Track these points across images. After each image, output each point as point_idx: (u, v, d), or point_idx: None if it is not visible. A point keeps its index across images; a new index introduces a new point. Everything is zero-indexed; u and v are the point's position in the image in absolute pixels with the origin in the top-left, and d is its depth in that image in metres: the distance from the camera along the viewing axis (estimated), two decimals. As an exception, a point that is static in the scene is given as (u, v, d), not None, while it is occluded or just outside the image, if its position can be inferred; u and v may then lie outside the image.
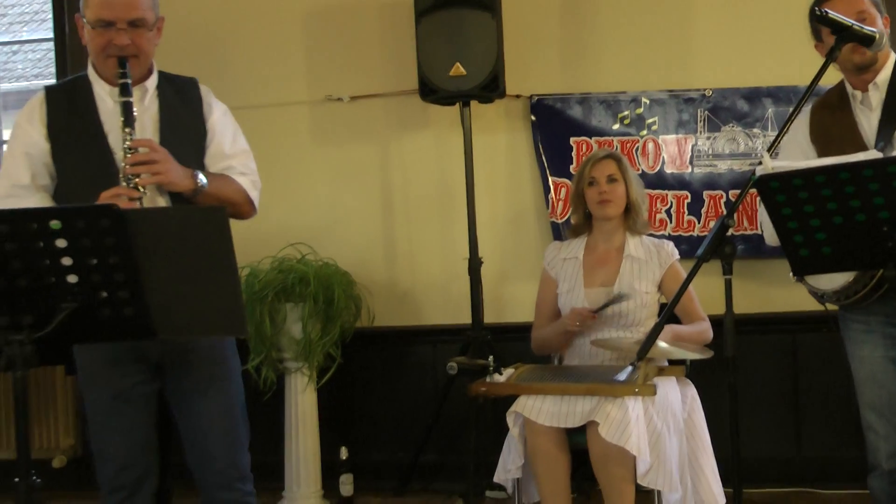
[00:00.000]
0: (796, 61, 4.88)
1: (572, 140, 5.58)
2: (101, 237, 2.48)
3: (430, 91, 5.29)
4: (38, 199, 3.23)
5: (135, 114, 3.13)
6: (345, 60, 5.87)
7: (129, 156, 3.06)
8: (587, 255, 4.29)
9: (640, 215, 4.28)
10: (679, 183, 5.49)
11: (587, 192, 4.28)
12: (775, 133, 5.29)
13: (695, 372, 4.11)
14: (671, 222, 5.44)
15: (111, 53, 3.16)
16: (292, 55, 5.93)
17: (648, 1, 5.58)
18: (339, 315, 5.29)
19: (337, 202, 5.81)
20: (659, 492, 3.71)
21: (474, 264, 5.34)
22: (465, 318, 5.37)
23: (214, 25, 5.96)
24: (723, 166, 5.47)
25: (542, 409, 3.72)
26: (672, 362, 4.07)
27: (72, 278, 2.53)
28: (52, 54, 6.52)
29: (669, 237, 5.09)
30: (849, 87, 3.56)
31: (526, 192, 5.70)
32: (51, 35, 6.46)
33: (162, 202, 3.18)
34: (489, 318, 5.38)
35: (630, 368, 3.64)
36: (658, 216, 5.45)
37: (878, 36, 3.17)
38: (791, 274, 3.01)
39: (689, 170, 5.48)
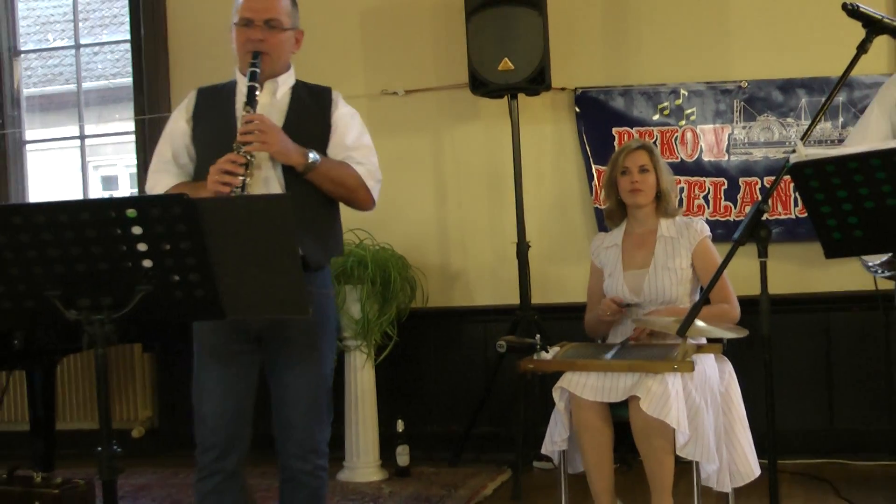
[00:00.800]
0: (828, 53, 4.83)
1: (614, 130, 5.56)
2: (173, 224, 2.49)
3: (480, 85, 5.29)
4: (175, 174, 3.36)
5: (257, 97, 3.19)
6: (400, 56, 5.87)
7: (243, 126, 3.13)
8: (626, 240, 4.27)
9: (670, 202, 4.24)
10: (716, 170, 5.44)
11: (620, 180, 4.25)
12: (808, 122, 5.25)
13: (732, 349, 4.07)
14: (709, 208, 5.40)
15: (248, 48, 3.27)
16: (351, 52, 5.94)
17: (686, -3, 5.54)
18: (395, 296, 5.31)
19: (393, 190, 5.75)
20: (697, 462, 3.69)
21: (522, 248, 5.33)
22: (514, 298, 5.36)
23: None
24: (758, 154, 5.42)
25: (586, 385, 3.71)
26: (710, 341, 4.03)
27: (147, 263, 2.54)
28: (128, 55, 6.57)
29: (707, 222, 5.04)
30: None
31: (571, 180, 5.68)
32: (128, 37, 6.50)
33: (274, 176, 3.21)
34: (536, 298, 5.37)
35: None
36: (696, 202, 5.41)
37: None
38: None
39: (726, 158, 5.44)
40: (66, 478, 4.02)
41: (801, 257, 5.28)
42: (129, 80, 6.57)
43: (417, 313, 5.54)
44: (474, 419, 5.47)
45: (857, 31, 3.03)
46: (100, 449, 2.58)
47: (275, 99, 3.34)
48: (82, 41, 6.99)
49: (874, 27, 3.11)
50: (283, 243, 2.69)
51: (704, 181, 5.42)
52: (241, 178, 3.06)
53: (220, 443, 3.26)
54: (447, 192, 5.84)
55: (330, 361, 3.40)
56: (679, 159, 5.39)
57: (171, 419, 6.19)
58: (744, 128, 5.43)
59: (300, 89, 3.41)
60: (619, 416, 3.73)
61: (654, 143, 5.37)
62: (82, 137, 6.89)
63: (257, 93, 3.21)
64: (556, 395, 3.81)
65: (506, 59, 5.19)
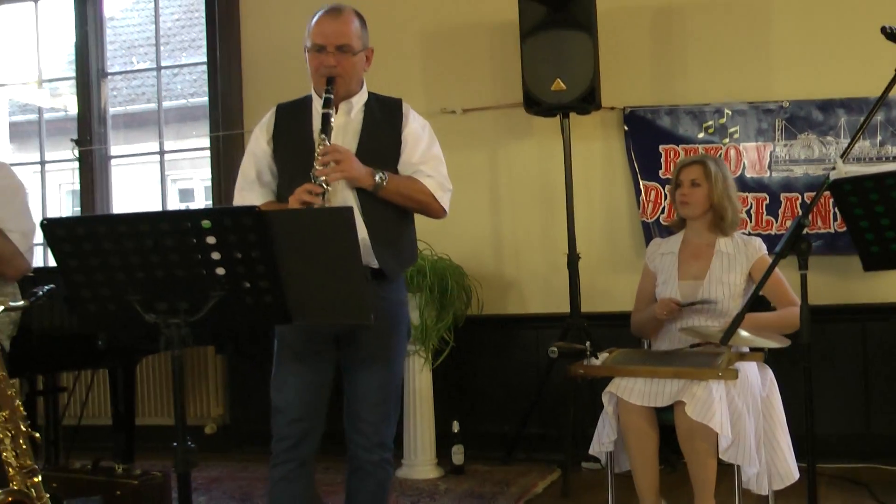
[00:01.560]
0: (867, 74, 4.75)
1: (661, 147, 5.52)
2: (244, 234, 2.51)
3: (534, 104, 5.28)
4: (260, 193, 3.35)
5: (332, 123, 3.20)
6: (458, 77, 5.88)
7: (318, 158, 3.13)
8: (682, 249, 4.22)
9: (725, 218, 4.15)
10: (758, 186, 5.38)
11: (675, 193, 4.22)
12: (848, 140, 5.18)
13: (773, 357, 4.02)
14: (751, 222, 5.34)
15: (322, 73, 3.26)
16: (412, 72, 5.95)
17: (731, 21, 5.49)
18: (452, 304, 5.30)
19: (451, 203, 5.79)
20: (738, 465, 3.65)
21: (573, 259, 5.31)
22: (564, 306, 5.33)
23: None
24: (798, 171, 5.35)
25: (633, 390, 3.69)
26: (753, 349, 3.98)
27: (220, 270, 2.56)
28: (205, 76, 6.62)
29: (749, 235, 4.98)
30: None
31: (619, 195, 5.65)
32: (205, 59, 6.56)
33: (350, 196, 3.21)
34: (586, 307, 5.34)
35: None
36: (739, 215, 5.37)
37: None
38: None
39: (768, 174, 5.37)
40: (145, 469, 4.05)
41: (840, 269, 5.20)
42: (205, 100, 6.63)
43: (473, 320, 5.53)
44: (526, 420, 5.45)
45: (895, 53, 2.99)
46: (175, 444, 2.60)
47: (349, 118, 3.34)
48: (163, 63, 7.08)
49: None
50: (347, 253, 2.70)
51: (747, 196, 5.35)
52: (318, 206, 3.06)
53: (293, 434, 3.28)
54: (502, 206, 5.83)
55: (400, 363, 3.40)
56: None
57: (241, 417, 6.24)
58: (785, 146, 5.37)
59: (372, 104, 3.39)
60: (665, 419, 3.70)
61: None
62: (162, 153, 6.98)
63: (332, 118, 3.21)
64: (605, 398, 3.79)
65: (558, 79, 5.17)
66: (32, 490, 3.02)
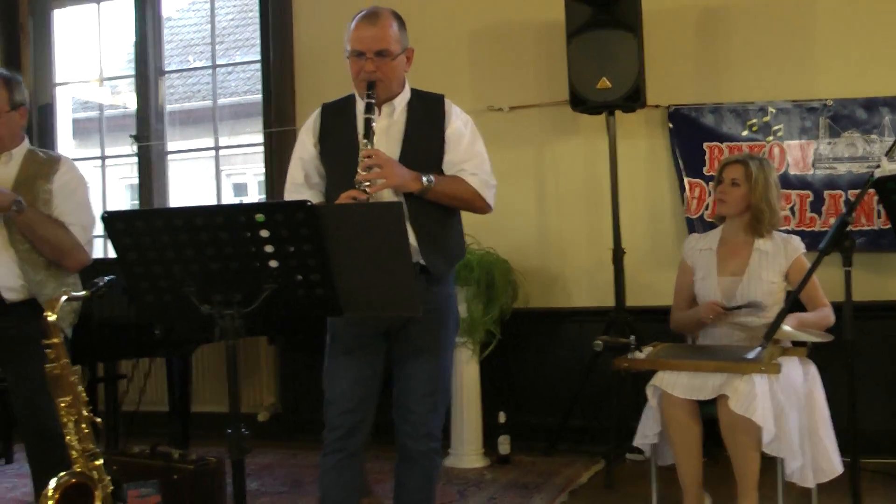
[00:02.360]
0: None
1: (705, 145, 5.47)
2: (297, 228, 2.53)
3: (580, 102, 5.26)
4: (309, 195, 3.31)
5: (373, 127, 3.17)
6: (505, 75, 5.87)
7: (361, 163, 3.11)
8: (721, 246, 4.19)
9: (762, 220, 4.10)
10: (802, 183, 5.32)
11: (717, 189, 4.19)
12: (892, 139, 5.10)
13: (816, 353, 3.97)
14: (795, 219, 5.28)
15: (362, 79, 3.24)
16: (459, 70, 5.95)
17: (774, 20, 5.42)
18: (499, 297, 5.29)
19: (498, 199, 5.71)
20: (782, 459, 3.62)
21: (618, 254, 5.28)
22: (609, 301, 5.31)
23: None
24: (842, 168, 5.28)
25: (677, 383, 3.67)
26: (795, 344, 3.94)
27: (273, 263, 2.58)
28: (259, 74, 6.68)
29: (793, 232, 4.92)
30: None
31: (663, 191, 5.61)
32: (258, 58, 6.61)
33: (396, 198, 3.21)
34: (630, 301, 5.31)
35: (759, 349, 3.57)
36: (783, 213, 5.30)
37: None
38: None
39: (811, 172, 5.31)
40: (200, 455, 4.09)
41: (883, 266, 5.14)
42: (258, 97, 6.67)
43: (519, 313, 5.52)
44: (570, 412, 5.43)
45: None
46: (229, 431, 2.62)
47: (392, 120, 3.32)
48: (218, 62, 7.14)
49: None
50: (396, 247, 2.70)
51: (791, 193, 5.29)
52: None
53: (344, 424, 3.29)
54: (548, 202, 5.81)
55: (449, 355, 3.38)
56: (766, 173, 5.29)
57: (292, 405, 6.27)
58: (829, 143, 5.30)
59: (415, 103, 3.37)
60: (708, 413, 3.68)
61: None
62: (217, 149, 7.03)
63: (374, 122, 3.18)
64: (648, 392, 3.77)
65: (604, 78, 5.15)
66: (94, 472, 3.07)
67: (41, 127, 7.11)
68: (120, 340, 4.57)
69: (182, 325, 4.54)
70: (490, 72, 5.91)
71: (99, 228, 3.70)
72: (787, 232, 4.39)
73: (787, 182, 5.27)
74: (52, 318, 3.05)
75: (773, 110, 5.37)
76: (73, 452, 3.06)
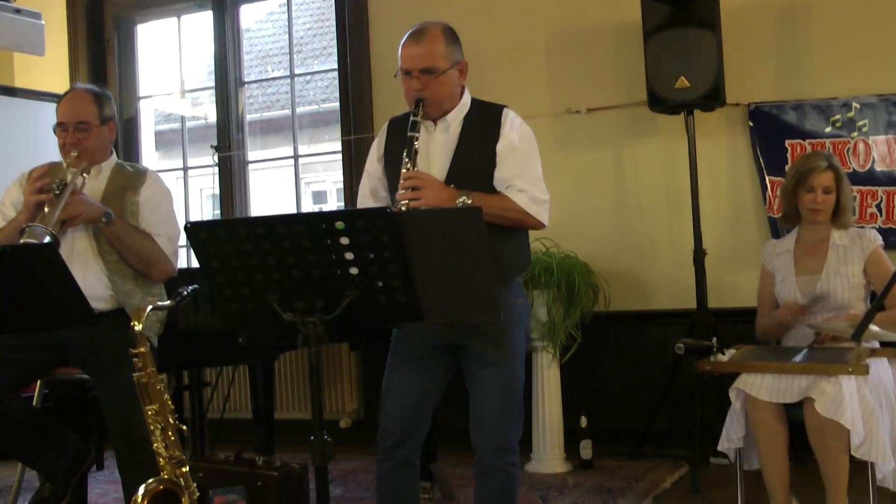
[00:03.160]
0: None
1: (787, 143, 5.39)
2: (377, 235, 2.54)
3: (658, 102, 5.22)
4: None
5: (416, 146, 3.18)
6: (582, 77, 5.84)
7: (401, 183, 3.14)
8: (797, 247, 4.13)
9: (847, 217, 4.07)
10: (888, 179, 5.20)
11: (803, 195, 4.09)
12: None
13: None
14: (881, 216, 5.17)
15: (411, 97, 3.27)
16: (537, 73, 5.94)
17: (856, 12, 5.32)
18: (579, 300, 5.27)
19: (577, 202, 5.80)
20: (872, 463, 3.54)
21: (699, 255, 5.22)
22: (691, 303, 5.25)
23: (469, 48, 6.02)
24: (931, 163, 5.16)
25: (762, 386, 3.61)
26: (883, 345, 3.85)
27: (353, 270, 2.59)
28: (336, 82, 6.73)
29: (879, 230, 4.82)
30: None
31: (745, 190, 5.53)
32: (336, 66, 6.67)
33: None
34: (712, 303, 5.24)
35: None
36: (868, 210, 5.19)
37: None
38: None
39: (899, 167, 5.20)
40: (284, 462, 4.12)
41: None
42: (336, 105, 6.73)
43: (600, 316, 5.49)
44: (653, 416, 5.38)
45: None
46: (312, 437, 2.65)
47: (447, 135, 3.32)
48: (296, 71, 7.22)
49: None
50: (476, 251, 2.71)
51: (877, 190, 5.19)
52: None
53: (396, 433, 3.33)
54: (627, 203, 5.77)
55: (519, 363, 3.34)
56: (851, 169, 5.18)
57: (374, 411, 6.27)
58: (916, 138, 5.19)
59: (473, 116, 3.34)
60: (794, 416, 3.61)
61: (827, 154, 5.19)
62: (296, 157, 7.10)
63: (416, 141, 3.19)
64: (732, 395, 3.72)
65: (682, 77, 5.10)
66: (181, 479, 3.12)
67: (126, 139, 7.27)
68: (204, 348, 4.64)
69: (265, 333, 4.60)
70: (567, 74, 5.89)
71: (182, 238, 3.77)
72: (874, 229, 4.30)
73: (873, 178, 5.18)
74: (138, 327, 3.11)
75: (858, 105, 5.27)
76: (161, 459, 3.12)
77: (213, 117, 7.16)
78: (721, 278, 5.46)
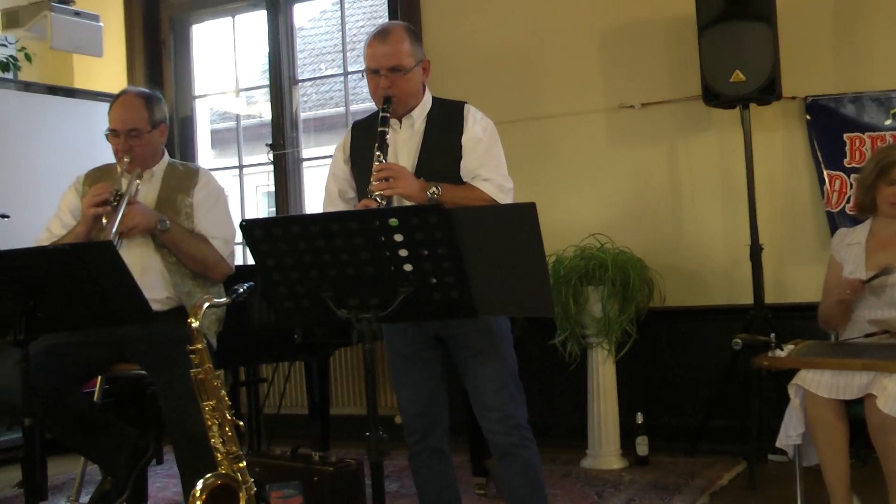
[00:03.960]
0: None
1: (845, 136, 5.29)
2: (431, 232, 2.54)
3: (713, 96, 5.15)
4: (343, 209, 3.44)
5: (387, 140, 3.28)
6: (635, 72, 5.79)
7: (374, 174, 3.22)
8: (871, 239, 4.05)
9: None
10: (949, 173, 5.10)
11: (883, 188, 4.00)
12: None
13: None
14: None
15: (378, 95, 3.36)
16: (590, 69, 5.90)
17: (919, 4, 5.22)
18: (634, 296, 5.23)
19: (631, 197, 5.76)
20: (936, 460, 3.47)
21: (755, 250, 5.16)
22: (747, 298, 5.18)
23: (524, 46, 6.03)
24: None
25: (821, 382, 3.56)
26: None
27: (407, 267, 2.60)
28: (388, 79, 6.73)
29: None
30: None
31: (802, 185, 5.45)
32: (388, 63, 6.68)
33: None
34: (769, 298, 5.18)
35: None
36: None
37: None
38: None
39: (962, 160, 5.09)
40: (340, 457, 4.15)
41: None
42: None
43: (655, 312, 5.44)
44: (710, 412, 5.33)
45: None
46: (368, 433, 2.65)
47: (412, 132, 3.40)
48: (350, 69, 7.22)
49: None
50: (530, 247, 2.70)
51: (937, 184, 5.08)
52: None
53: (418, 427, 3.42)
54: (682, 198, 5.72)
55: (508, 346, 3.39)
56: (911, 162, 5.09)
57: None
58: (981, 129, 5.08)
59: (435, 112, 3.43)
60: (855, 412, 3.55)
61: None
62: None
63: (388, 135, 3.28)
64: (791, 391, 3.67)
65: (737, 71, 5.04)
66: (238, 474, 3.14)
67: (182, 139, 7.34)
68: (260, 345, 4.67)
69: (320, 330, 4.62)
70: (620, 69, 5.84)
71: (238, 236, 3.80)
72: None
73: (933, 172, 5.07)
74: (195, 324, 3.14)
75: (918, 97, 5.17)
76: (218, 454, 3.15)
77: (267, 115, 7.20)
78: (778, 273, 5.39)
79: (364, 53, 3.40)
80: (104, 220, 3.74)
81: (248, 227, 2.67)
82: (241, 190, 7.44)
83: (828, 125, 5.32)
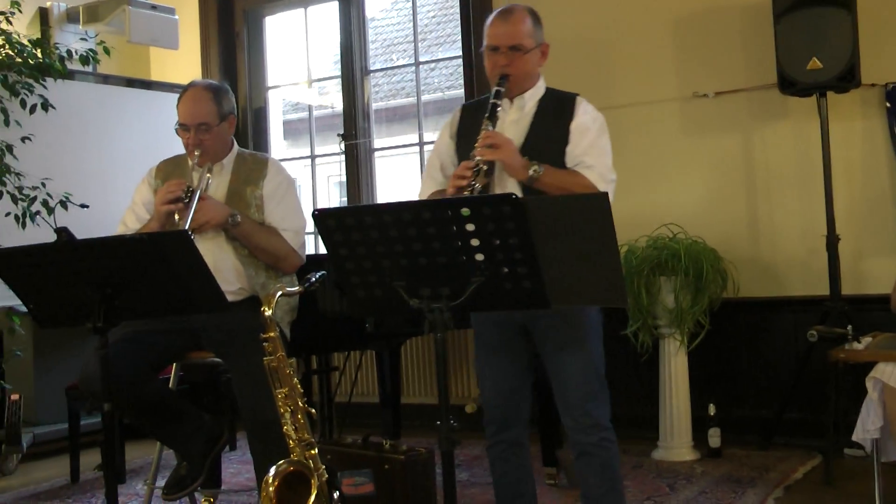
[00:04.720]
0: None
1: (927, 124, 5.17)
2: (503, 222, 2.53)
3: (789, 84, 5.07)
4: (440, 182, 3.48)
5: (499, 113, 3.30)
6: (709, 60, 5.72)
7: (480, 141, 3.23)
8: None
9: None
10: None
11: None
12: None
13: None
14: None
15: (496, 73, 3.37)
16: (663, 58, 5.84)
17: None
18: (707, 287, 5.18)
19: (705, 187, 5.69)
20: None
21: (832, 240, 5.06)
22: (823, 289, 5.09)
23: (598, 36, 5.99)
24: None
25: (900, 376, 3.49)
26: None
27: (479, 257, 2.59)
28: (460, 69, 6.74)
29: None
30: None
31: (881, 175, 5.33)
32: (460, 53, 6.68)
33: (516, 189, 3.24)
34: (846, 289, 5.08)
35: None
36: None
37: None
38: None
39: None
40: (410, 446, 4.17)
41: None
42: (461, 92, 6.74)
43: (729, 303, 5.37)
44: (784, 405, 5.25)
45: None
46: (439, 422, 2.65)
47: (522, 113, 3.40)
48: (421, 59, 7.24)
49: None
50: (603, 237, 2.68)
51: None
52: (470, 181, 3.15)
53: (498, 418, 3.41)
54: (757, 188, 5.63)
55: (596, 341, 3.35)
56: None
57: (499, 397, 6.31)
58: None
59: (547, 100, 3.43)
60: (936, 407, 3.48)
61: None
62: (421, 144, 7.13)
63: (499, 108, 3.30)
64: (869, 384, 3.60)
65: (814, 58, 4.94)
66: (310, 461, 3.17)
67: (255, 129, 7.43)
68: (332, 334, 4.71)
69: (392, 319, 4.64)
70: (694, 57, 5.77)
71: (309, 225, 3.83)
72: None
73: None
74: (268, 312, 3.17)
75: None
76: (290, 442, 3.18)
77: (339, 106, 7.25)
78: (855, 264, 5.29)
79: (485, 32, 3.42)
80: (176, 217, 3.79)
81: (321, 216, 2.69)
82: (314, 180, 7.51)
83: (908, 113, 5.20)
